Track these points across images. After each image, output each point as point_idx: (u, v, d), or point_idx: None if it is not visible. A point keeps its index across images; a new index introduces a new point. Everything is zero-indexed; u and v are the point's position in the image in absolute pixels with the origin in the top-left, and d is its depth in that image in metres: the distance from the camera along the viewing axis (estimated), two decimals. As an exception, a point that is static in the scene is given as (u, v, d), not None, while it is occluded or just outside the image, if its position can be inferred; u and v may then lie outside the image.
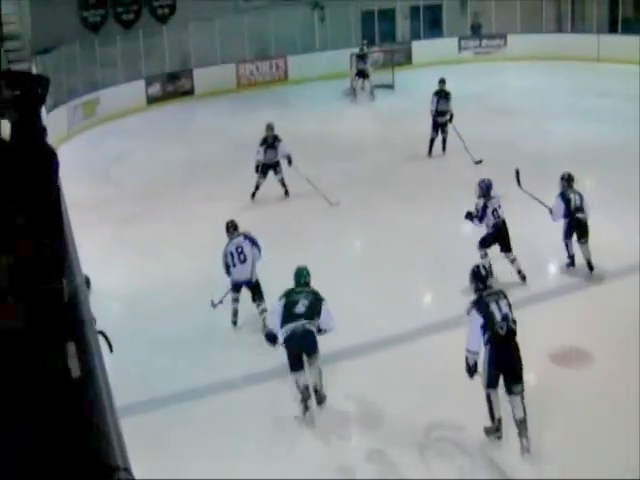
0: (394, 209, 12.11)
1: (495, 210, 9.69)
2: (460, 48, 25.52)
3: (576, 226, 9.78)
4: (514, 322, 6.33)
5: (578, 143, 15.04)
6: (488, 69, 23.65)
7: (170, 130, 19.32)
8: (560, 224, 9.78)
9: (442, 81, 15.01)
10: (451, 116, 14.74)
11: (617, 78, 20.44)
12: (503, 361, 6.26)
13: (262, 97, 21.96)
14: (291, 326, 6.85)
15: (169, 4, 23.62)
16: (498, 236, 9.67)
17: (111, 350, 4.31)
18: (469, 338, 6.32)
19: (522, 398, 6.27)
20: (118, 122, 20.12)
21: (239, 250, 8.68)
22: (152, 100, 22.04)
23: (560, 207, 9.76)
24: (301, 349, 6.90)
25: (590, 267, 9.80)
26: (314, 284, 7.21)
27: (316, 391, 7.10)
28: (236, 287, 8.81)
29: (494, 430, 6.49)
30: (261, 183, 13.14)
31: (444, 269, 9.73)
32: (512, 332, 6.27)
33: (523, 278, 9.63)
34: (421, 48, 25.22)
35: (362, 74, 20.81)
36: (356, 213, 12.03)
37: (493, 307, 6.30)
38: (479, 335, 6.23)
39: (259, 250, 8.77)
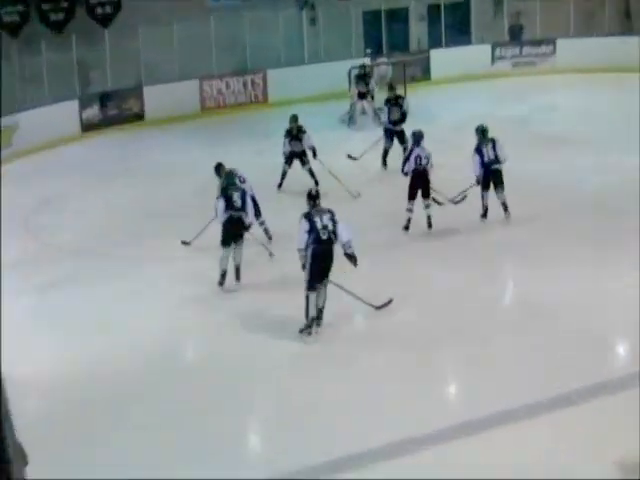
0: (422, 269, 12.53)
1: (418, 157, 13.68)
2: (494, 58, 26.10)
3: (491, 177, 13.73)
4: (333, 233, 10.44)
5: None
6: (532, 85, 23.90)
7: (111, 167, 19.21)
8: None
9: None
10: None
11: None
12: (320, 258, 10.43)
13: (234, 125, 22.17)
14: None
15: (112, 1, 23.66)
16: (417, 182, 13.72)
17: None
18: (298, 239, 10.50)
19: (325, 290, 10.57)
20: (43, 155, 19.99)
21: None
22: (88, 127, 22.14)
23: (476, 161, 13.75)
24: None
25: (505, 209, 13.85)
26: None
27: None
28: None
29: (307, 327, 10.51)
30: (286, 171, 16.16)
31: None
32: (330, 239, 10.43)
33: (429, 226, 13.88)
34: (442, 59, 25.60)
35: (364, 96, 21.12)
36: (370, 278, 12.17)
37: (317, 218, 10.44)
38: (305, 237, 10.37)
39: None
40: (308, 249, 10.32)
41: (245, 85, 24.19)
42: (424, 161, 13.62)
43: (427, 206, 13.79)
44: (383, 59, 24.41)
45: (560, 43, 25.83)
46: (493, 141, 13.83)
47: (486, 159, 13.72)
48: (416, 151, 13.69)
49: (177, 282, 12.56)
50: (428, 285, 11.98)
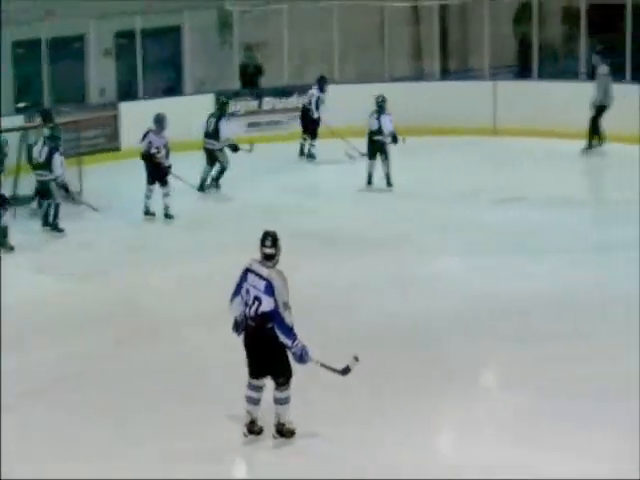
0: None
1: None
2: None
3: (375, 148, 16.27)
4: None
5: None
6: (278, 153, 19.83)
7: None
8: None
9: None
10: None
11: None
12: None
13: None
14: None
15: None
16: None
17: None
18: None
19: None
20: None
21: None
22: None
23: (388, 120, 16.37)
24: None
25: (388, 182, 16.27)
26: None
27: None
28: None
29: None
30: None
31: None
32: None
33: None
34: (139, 117, 18.65)
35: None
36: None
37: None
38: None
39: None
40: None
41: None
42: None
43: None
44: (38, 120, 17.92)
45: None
46: (379, 117, 16.22)
47: (370, 130, 16.34)
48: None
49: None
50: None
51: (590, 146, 18.60)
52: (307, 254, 12.97)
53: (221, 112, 16.96)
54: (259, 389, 8.34)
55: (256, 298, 8.08)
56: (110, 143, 20.00)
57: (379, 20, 22.40)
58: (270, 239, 8.12)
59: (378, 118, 16.06)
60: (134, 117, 19.45)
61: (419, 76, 23.22)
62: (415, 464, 7.82)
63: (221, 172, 16.98)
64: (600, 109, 18.59)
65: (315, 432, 8.32)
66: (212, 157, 16.89)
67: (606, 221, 15.23)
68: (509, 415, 8.52)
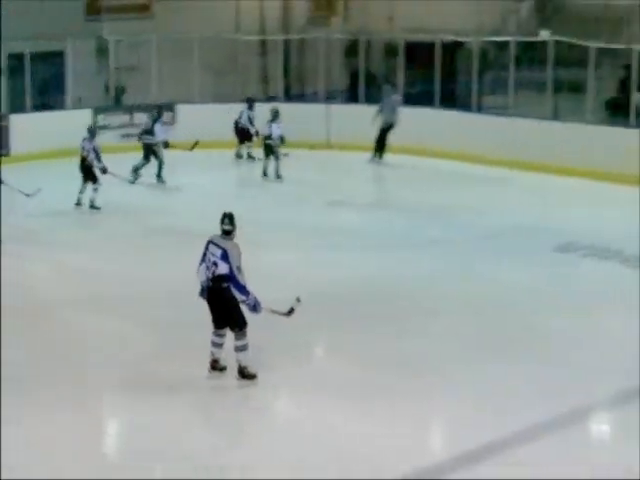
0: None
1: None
2: (97, 127, 20.06)
3: (268, 149, 19.39)
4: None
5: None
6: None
7: None
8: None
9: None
10: None
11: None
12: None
13: None
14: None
15: None
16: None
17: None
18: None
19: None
20: None
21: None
22: None
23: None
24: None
25: (277, 175, 19.30)
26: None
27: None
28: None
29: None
30: None
31: None
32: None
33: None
34: (27, 128, 21.06)
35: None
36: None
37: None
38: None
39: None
40: None
41: None
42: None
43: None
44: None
45: (183, 109, 22.70)
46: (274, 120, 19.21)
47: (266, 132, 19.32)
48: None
49: None
50: None
51: (379, 156, 20.84)
52: (165, 249, 14.09)
53: (158, 116, 18.94)
54: (221, 336, 9.20)
55: (214, 263, 8.99)
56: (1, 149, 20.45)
57: (233, 50, 23.65)
58: (227, 219, 9.12)
59: (270, 126, 18.88)
60: (22, 127, 20.89)
61: (266, 98, 24.44)
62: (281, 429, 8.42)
63: (160, 167, 18.89)
64: (388, 127, 20.77)
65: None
66: (149, 151, 18.90)
67: (410, 221, 16.04)
68: (338, 385, 9.12)
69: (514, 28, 23.66)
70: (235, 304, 9.07)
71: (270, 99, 24.24)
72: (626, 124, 19.64)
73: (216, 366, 9.28)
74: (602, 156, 18.96)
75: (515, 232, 15.37)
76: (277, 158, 19.13)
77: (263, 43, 25.17)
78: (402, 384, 9.14)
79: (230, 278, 8.96)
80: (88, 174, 16.74)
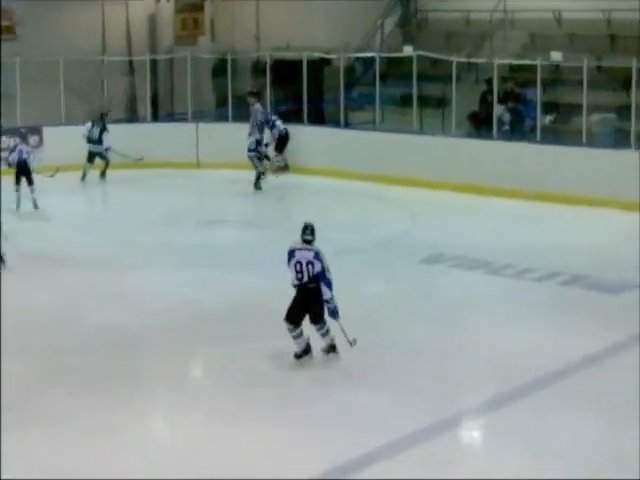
0: None
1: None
2: None
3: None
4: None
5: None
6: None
7: None
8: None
9: None
10: None
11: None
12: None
13: None
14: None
15: None
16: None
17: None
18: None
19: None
20: None
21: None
22: None
23: None
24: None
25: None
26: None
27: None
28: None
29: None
30: None
31: None
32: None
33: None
34: None
35: None
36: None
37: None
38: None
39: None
40: None
41: None
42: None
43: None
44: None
45: (49, 132, 22.35)
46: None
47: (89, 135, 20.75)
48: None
49: None
50: None
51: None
52: (38, 272, 13.76)
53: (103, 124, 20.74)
54: (296, 329, 10.04)
55: (309, 263, 9.90)
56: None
57: (99, 72, 23.54)
58: (309, 229, 10.03)
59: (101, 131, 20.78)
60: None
61: (134, 119, 24.59)
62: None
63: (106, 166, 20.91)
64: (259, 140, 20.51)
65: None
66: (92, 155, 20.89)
67: (279, 239, 14.85)
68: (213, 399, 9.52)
69: (379, 44, 23.86)
70: (322, 301, 10.00)
71: (136, 119, 24.42)
72: (489, 137, 20.11)
73: (309, 350, 10.15)
74: (468, 169, 19.38)
75: (383, 246, 15.54)
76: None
77: (130, 63, 25.00)
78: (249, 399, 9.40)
79: (321, 276, 9.91)
80: (26, 175, 17.83)
